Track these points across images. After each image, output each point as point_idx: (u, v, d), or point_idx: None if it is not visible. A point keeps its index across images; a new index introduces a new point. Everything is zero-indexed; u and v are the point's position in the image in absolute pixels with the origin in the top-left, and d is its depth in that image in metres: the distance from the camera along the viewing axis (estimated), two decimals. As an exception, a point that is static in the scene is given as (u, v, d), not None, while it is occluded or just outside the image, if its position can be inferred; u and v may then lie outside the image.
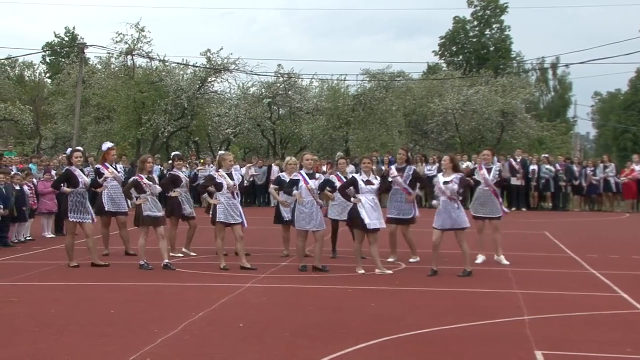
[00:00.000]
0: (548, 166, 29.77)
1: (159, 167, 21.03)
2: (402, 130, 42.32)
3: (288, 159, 15.50)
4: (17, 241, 17.53)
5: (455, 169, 13.40)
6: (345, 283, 12.28)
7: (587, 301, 11.04)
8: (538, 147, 44.18)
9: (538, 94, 65.15)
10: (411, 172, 14.62)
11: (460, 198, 13.30)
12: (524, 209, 29.17)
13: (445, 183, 13.17)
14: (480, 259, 14.67)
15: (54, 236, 18.80)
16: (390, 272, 13.34)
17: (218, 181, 13.66)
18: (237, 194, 13.84)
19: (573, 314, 9.99)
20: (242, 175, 14.90)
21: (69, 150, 14.90)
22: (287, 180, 14.16)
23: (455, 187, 13.06)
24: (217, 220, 13.58)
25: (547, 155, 31.77)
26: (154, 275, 13.03)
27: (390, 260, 14.72)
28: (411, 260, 14.71)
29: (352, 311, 10.11)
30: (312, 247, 13.82)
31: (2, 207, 16.27)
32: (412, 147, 42.39)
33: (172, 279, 12.70)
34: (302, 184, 13.53)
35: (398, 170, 14.58)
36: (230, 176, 13.80)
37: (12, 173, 18.48)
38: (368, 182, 13.27)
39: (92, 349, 7.99)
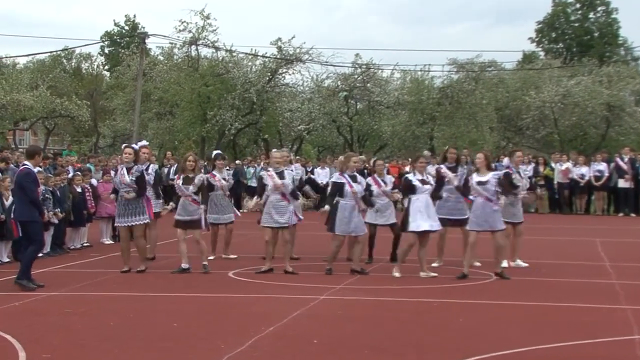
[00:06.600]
0: (661, 166, 29.00)
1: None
2: (494, 126, 41.88)
3: (340, 157, 16.44)
4: (73, 247, 17.83)
5: (490, 167, 14.03)
6: (429, 295, 12.24)
7: None
8: (649, 145, 43.20)
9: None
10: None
11: (500, 200, 13.78)
12: (632, 215, 28.51)
13: (480, 183, 13.70)
14: (519, 262, 15.27)
15: (112, 242, 19.04)
16: (435, 274, 13.86)
17: (264, 181, 14.45)
18: (289, 194, 14.41)
19: (689, 334, 9.75)
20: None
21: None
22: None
23: (492, 188, 13.64)
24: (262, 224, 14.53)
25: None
26: (219, 285, 13.18)
27: (435, 265, 15.06)
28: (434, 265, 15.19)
29: (437, 326, 10.07)
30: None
31: (57, 210, 16.49)
32: (504, 145, 41.96)
33: (240, 289, 12.84)
34: (346, 187, 14.11)
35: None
36: (281, 175, 14.35)
37: (71, 174, 18.81)
38: (423, 182, 13.81)
39: (153, 364, 8.14)
